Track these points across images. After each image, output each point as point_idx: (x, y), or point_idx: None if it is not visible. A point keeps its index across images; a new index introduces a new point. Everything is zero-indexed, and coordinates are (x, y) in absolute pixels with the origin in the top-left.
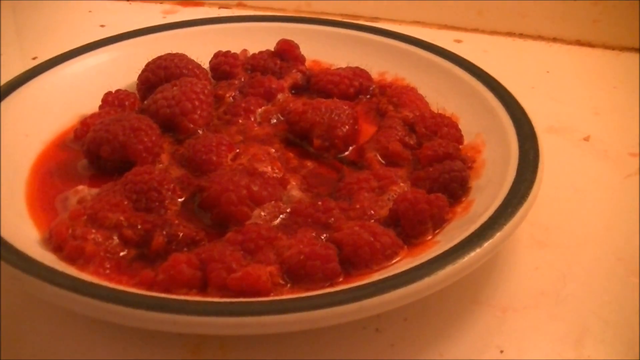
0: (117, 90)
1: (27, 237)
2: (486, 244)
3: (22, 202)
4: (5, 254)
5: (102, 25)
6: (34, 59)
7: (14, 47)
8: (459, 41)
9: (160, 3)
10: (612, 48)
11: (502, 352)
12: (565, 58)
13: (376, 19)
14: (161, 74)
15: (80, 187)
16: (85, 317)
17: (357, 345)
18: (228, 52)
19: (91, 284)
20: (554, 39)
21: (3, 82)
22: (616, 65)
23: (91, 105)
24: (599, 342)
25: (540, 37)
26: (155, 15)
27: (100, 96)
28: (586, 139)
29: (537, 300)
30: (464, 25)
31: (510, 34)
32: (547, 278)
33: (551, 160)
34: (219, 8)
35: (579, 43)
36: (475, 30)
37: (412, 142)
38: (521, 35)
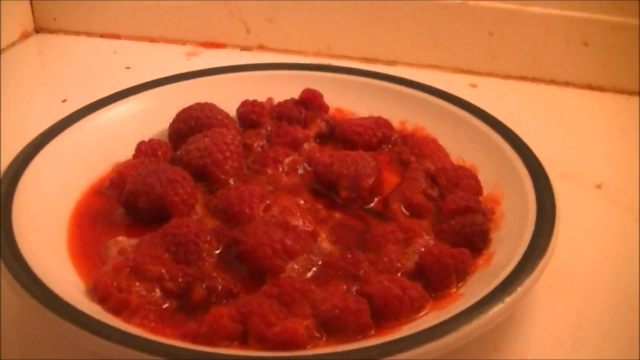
0: (150, 140)
1: (72, 287)
2: (508, 299)
3: (64, 251)
4: (58, 308)
5: (127, 67)
6: (63, 101)
7: (43, 89)
8: (474, 86)
9: (183, 45)
10: (622, 92)
11: None
12: (577, 102)
13: (394, 62)
14: (192, 123)
15: (120, 238)
16: None
17: None
18: (255, 101)
19: (148, 340)
20: (566, 83)
21: (34, 125)
22: (626, 110)
23: (124, 152)
24: None
25: (552, 82)
26: (178, 57)
27: (132, 144)
28: (599, 186)
29: (555, 347)
30: (478, 69)
31: (523, 78)
32: (564, 326)
33: (565, 207)
34: (241, 50)
35: (590, 87)
36: (489, 74)
37: (434, 194)
38: (534, 80)
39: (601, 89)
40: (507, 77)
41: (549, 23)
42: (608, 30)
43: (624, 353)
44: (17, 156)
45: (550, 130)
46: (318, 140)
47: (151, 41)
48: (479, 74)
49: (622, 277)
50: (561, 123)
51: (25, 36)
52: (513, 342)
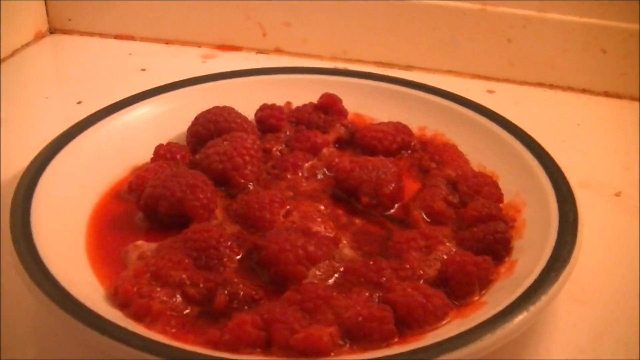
0: (169, 143)
1: (92, 292)
2: (533, 308)
3: (83, 254)
4: (80, 314)
5: (142, 69)
6: (78, 103)
7: (58, 91)
8: (491, 92)
9: (198, 47)
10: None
11: None
12: (595, 110)
13: (410, 67)
14: (211, 127)
15: (140, 242)
16: None
17: None
18: (273, 105)
19: (171, 347)
20: (583, 90)
21: (50, 127)
22: None
23: (142, 156)
24: None
25: (569, 88)
26: (194, 59)
27: (150, 147)
28: (617, 194)
29: (577, 358)
30: (495, 76)
31: (540, 84)
32: (585, 336)
33: (585, 216)
34: (257, 53)
35: (607, 95)
36: (506, 80)
37: (455, 201)
38: (551, 86)
39: (618, 96)
40: (525, 83)
41: (567, 30)
42: (626, 37)
43: None
44: (35, 158)
45: (568, 138)
46: (337, 146)
47: (166, 43)
48: (497, 80)
49: None
50: (578, 130)
51: (39, 37)
52: (534, 351)
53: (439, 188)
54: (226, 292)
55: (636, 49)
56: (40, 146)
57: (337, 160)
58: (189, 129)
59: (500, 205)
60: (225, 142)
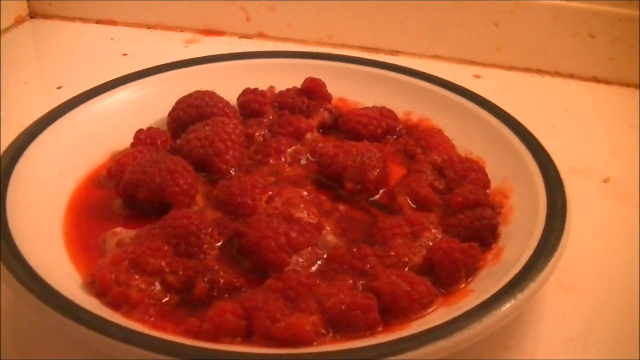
0: (149, 128)
1: (69, 280)
2: (520, 295)
3: (60, 242)
4: (55, 303)
5: (124, 54)
6: (58, 88)
7: (37, 76)
8: (478, 77)
9: (181, 32)
10: (628, 85)
11: None
12: (583, 95)
13: (396, 52)
14: (192, 112)
15: (118, 229)
16: None
17: None
18: (256, 89)
19: (149, 337)
20: (571, 76)
21: (29, 112)
22: (632, 103)
23: (122, 141)
24: None
25: (557, 74)
26: (176, 44)
27: (130, 132)
28: (606, 180)
29: (566, 346)
30: (482, 61)
31: (528, 69)
32: (574, 324)
33: (574, 202)
34: (240, 38)
35: (595, 80)
36: (493, 65)
37: (441, 187)
38: (539, 72)
39: (607, 81)
40: (512, 68)
41: (556, 14)
42: (615, 22)
43: (636, 352)
44: (12, 144)
45: (555, 123)
46: (321, 131)
47: (149, 28)
48: (483, 65)
49: (632, 274)
50: (566, 116)
51: (19, 21)
52: (522, 340)
53: (425, 174)
54: (206, 279)
55: (624, 34)
56: (19, 132)
57: (320, 145)
58: (170, 113)
59: (488, 191)
60: (206, 127)
